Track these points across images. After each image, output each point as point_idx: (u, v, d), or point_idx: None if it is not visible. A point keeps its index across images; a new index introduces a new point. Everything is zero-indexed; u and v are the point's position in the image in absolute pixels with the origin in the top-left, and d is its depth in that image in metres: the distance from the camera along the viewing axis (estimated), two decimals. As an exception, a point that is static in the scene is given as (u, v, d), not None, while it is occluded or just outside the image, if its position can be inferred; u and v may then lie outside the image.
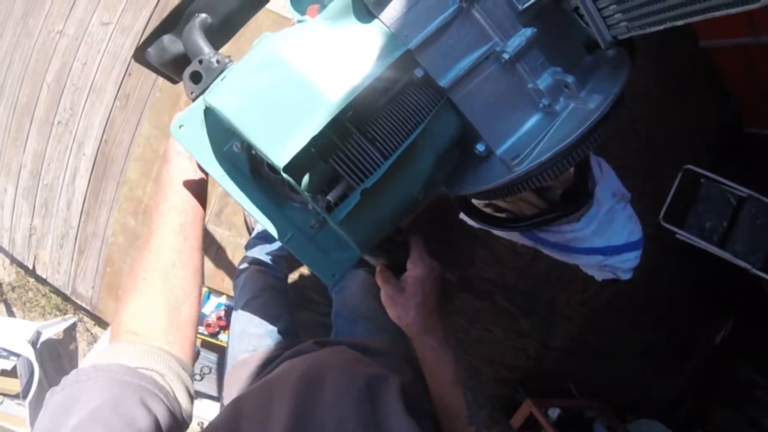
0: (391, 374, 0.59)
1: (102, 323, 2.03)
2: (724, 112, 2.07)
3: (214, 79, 0.56)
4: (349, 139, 0.51)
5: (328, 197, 0.52)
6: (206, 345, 1.64)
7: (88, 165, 1.90)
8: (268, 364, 0.83)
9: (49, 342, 2.07)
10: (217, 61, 0.57)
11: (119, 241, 1.87)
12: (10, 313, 2.22)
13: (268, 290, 1.09)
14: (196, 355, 1.48)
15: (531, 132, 0.55)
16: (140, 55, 0.66)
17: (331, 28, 0.53)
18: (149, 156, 1.82)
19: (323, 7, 0.58)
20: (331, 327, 1.04)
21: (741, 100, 1.91)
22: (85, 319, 2.12)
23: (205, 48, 0.60)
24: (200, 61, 0.58)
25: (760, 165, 1.81)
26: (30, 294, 2.19)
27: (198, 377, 1.56)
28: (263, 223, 0.59)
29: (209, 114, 0.56)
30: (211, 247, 1.79)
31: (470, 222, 0.88)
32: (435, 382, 0.60)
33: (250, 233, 1.72)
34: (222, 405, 0.88)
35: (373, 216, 0.54)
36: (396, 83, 0.54)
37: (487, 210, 1.10)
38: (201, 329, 1.63)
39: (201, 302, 0.61)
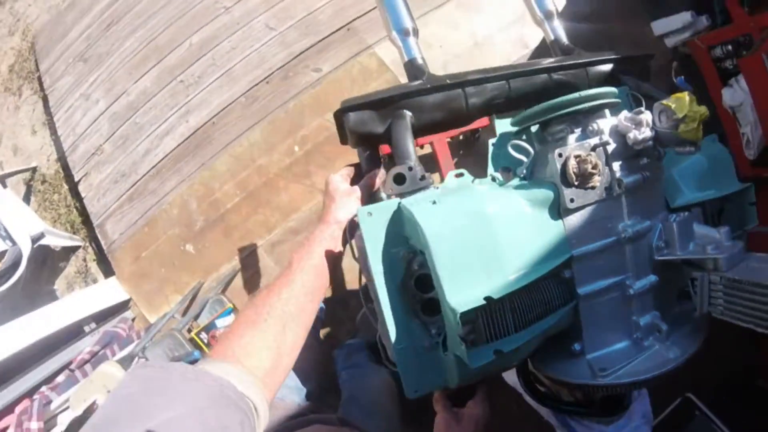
0: None
1: (105, 266, 2.03)
2: (744, 360, 2.14)
3: (413, 191, 0.64)
4: (499, 306, 0.55)
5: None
6: (203, 354, 1.65)
7: (185, 133, 1.97)
8: (292, 418, 0.86)
9: (44, 248, 2.06)
10: (422, 177, 0.64)
11: (172, 213, 1.91)
12: (26, 201, 2.21)
13: (305, 351, 1.14)
14: (192, 362, 1.51)
15: (618, 353, 0.64)
16: (341, 112, 0.74)
17: (527, 206, 0.60)
18: (245, 160, 1.89)
19: (513, 172, 0.67)
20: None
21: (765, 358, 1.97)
22: (90, 251, 2.12)
23: (413, 156, 0.68)
24: (410, 168, 0.64)
25: (758, 419, 1.86)
26: (55, 197, 2.19)
27: None
28: (389, 325, 0.62)
29: (396, 216, 0.61)
30: (251, 268, 1.84)
31: (511, 382, 0.96)
32: None
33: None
34: None
35: (487, 369, 0.59)
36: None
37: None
38: (203, 336, 1.66)
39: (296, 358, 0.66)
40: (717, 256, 0.57)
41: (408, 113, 0.74)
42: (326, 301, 1.80)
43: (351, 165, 0.80)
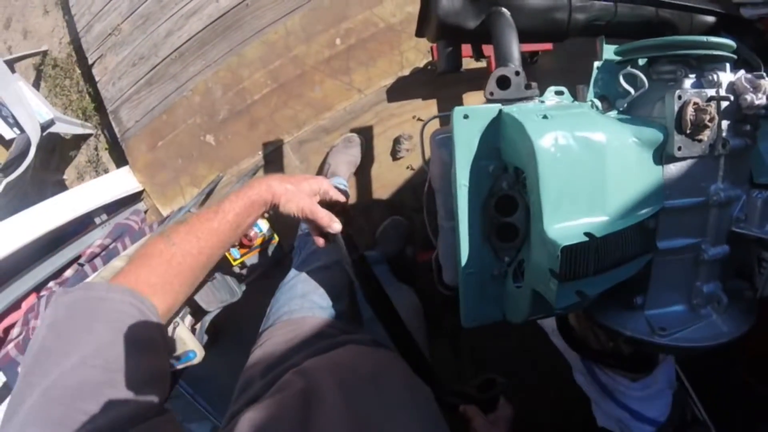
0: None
1: (118, 155, 1.88)
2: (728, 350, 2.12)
3: (517, 99, 0.57)
4: (593, 244, 0.52)
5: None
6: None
7: (214, 14, 1.78)
8: (323, 337, 0.81)
9: (54, 136, 1.90)
10: (528, 86, 0.57)
11: (193, 100, 1.75)
12: (36, 86, 2.03)
13: (337, 266, 1.04)
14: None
15: (676, 315, 0.63)
16: None
17: (636, 144, 0.56)
18: (279, 48, 1.72)
19: (612, 103, 0.63)
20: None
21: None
22: (102, 139, 1.96)
23: (518, 60, 0.59)
24: (516, 73, 0.57)
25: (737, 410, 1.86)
26: (67, 82, 2.01)
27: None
28: (462, 245, 0.59)
29: (493, 125, 0.56)
30: (274, 165, 1.69)
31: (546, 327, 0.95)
32: None
33: None
34: (258, 346, 0.82)
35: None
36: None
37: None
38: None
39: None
40: None
41: (507, 12, 0.64)
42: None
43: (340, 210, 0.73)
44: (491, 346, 1.65)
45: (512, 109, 0.54)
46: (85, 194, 1.67)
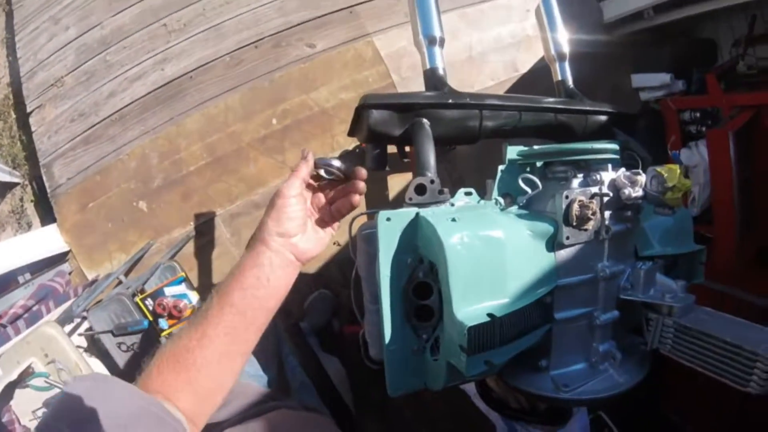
0: None
1: (44, 210, 1.88)
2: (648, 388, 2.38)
3: (431, 203, 0.67)
4: (494, 323, 0.58)
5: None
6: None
7: (158, 81, 1.85)
8: (254, 404, 0.84)
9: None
10: (441, 191, 0.67)
11: (129, 165, 1.80)
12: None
13: (264, 337, 1.13)
14: (140, 330, 1.44)
15: (577, 372, 0.72)
16: (364, 107, 0.75)
17: (530, 236, 0.65)
18: (218, 123, 1.81)
19: (513, 198, 0.73)
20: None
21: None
22: (29, 191, 1.96)
23: (434, 168, 0.71)
24: (432, 181, 0.67)
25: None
26: (0, 125, 1.99)
27: (124, 348, 1.49)
28: (386, 326, 0.64)
29: (411, 225, 0.64)
30: (205, 236, 1.77)
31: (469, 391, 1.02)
32: None
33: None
34: None
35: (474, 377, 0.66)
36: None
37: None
38: (149, 302, 1.58)
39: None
40: (673, 304, 0.66)
41: (426, 122, 0.76)
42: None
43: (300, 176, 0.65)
44: (419, 414, 1.78)
45: (427, 213, 0.63)
46: (8, 251, 1.67)
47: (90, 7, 1.92)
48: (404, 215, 0.63)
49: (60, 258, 1.77)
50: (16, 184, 1.95)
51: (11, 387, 1.14)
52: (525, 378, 0.72)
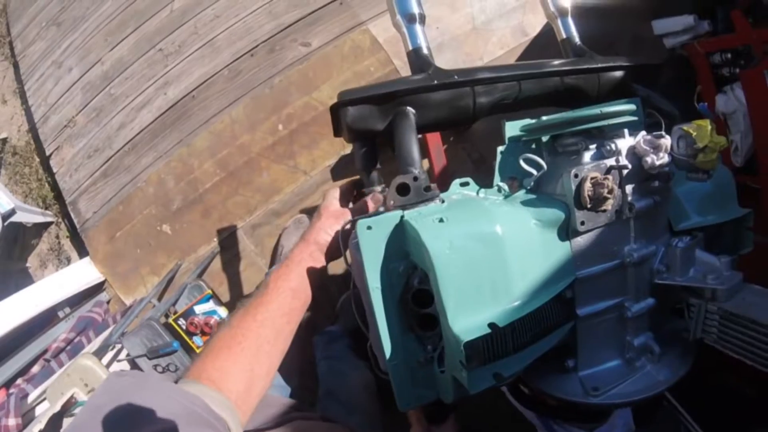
0: None
1: (79, 243, 1.94)
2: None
3: (417, 203, 0.59)
4: (502, 330, 0.52)
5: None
6: (181, 342, 1.61)
7: (163, 106, 1.85)
8: (275, 416, 0.84)
9: (16, 225, 1.96)
10: (427, 188, 0.59)
11: (147, 191, 1.82)
12: (-5, 176, 2.10)
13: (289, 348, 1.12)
14: (171, 352, 1.47)
15: (610, 371, 0.64)
16: (338, 106, 0.69)
17: (537, 227, 0.57)
18: (226, 137, 1.80)
19: (520, 182, 0.64)
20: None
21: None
22: (62, 228, 2.03)
23: (419, 162, 0.64)
24: (415, 178, 0.59)
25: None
26: (26, 170, 2.08)
27: (160, 369, 1.53)
28: (383, 340, 0.60)
29: (398, 230, 0.58)
30: (230, 251, 1.78)
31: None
32: None
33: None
34: None
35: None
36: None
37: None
38: (182, 322, 1.61)
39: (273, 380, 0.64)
40: (717, 287, 0.56)
41: (411, 110, 0.68)
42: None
43: (352, 180, 0.76)
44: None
45: (412, 215, 0.56)
46: (47, 288, 1.74)
47: (88, 46, 1.95)
48: (386, 221, 0.57)
49: (97, 288, 1.83)
50: (50, 224, 2.03)
51: (58, 418, 1.19)
52: (551, 380, 0.65)
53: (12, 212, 1.87)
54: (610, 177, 0.54)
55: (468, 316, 0.51)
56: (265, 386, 0.59)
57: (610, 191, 0.54)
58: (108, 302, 1.82)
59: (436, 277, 0.50)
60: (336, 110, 0.70)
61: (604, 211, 0.56)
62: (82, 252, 1.92)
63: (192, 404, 0.46)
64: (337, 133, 0.77)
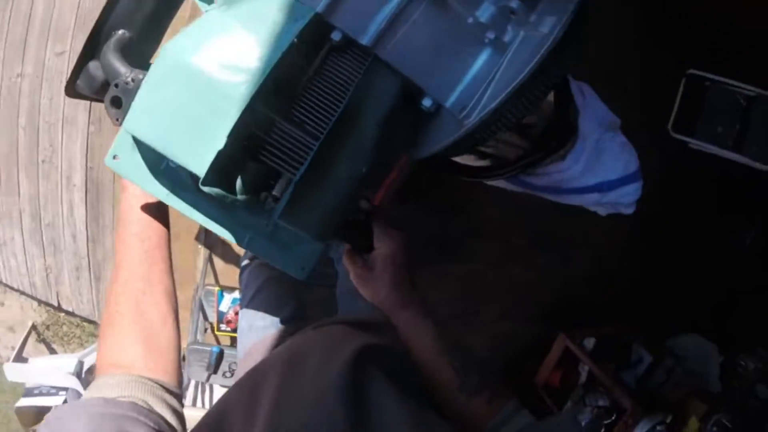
0: (379, 344, 0.57)
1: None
2: (721, 10, 1.86)
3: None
4: (275, 129, 0.46)
5: (274, 193, 0.49)
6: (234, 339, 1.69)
7: (81, 195, 1.94)
8: (272, 348, 0.83)
9: (93, 368, 2.18)
10: (132, 80, 0.53)
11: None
12: (51, 351, 2.35)
13: (271, 281, 1.06)
14: (220, 356, 1.53)
15: (481, 74, 0.49)
16: (71, 89, 0.62)
17: (229, 13, 0.48)
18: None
19: None
20: None
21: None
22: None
23: (121, 68, 0.56)
24: (116, 85, 0.54)
25: (763, 63, 1.65)
26: (65, 328, 2.30)
27: (228, 374, 1.61)
28: (217, 231, 0.58)
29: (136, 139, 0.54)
30: (217, 244, 1.82)
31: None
32: (419, 354, 0.60)
33: None
34: None
35: (319, 203, 0.50)
36: (313, 56, 0.49)
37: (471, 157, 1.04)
38: (223, 326, 1.69)
39: (178, 323, 0.62)
40: None
41: (116, 33, 0.60)
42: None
43: None
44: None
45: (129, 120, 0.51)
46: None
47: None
48: (123, 138, 0.56)
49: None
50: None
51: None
52: (428, 138, 0.53)
53: (81, 365, 2.06)
54: None
55: (203, 151, 0.45)
56: (171, 327, 0.58)
57: None
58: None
59: (155, 149, 0.47)
60: (73, 93, 0.63)
61: None
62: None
63: (92, 408, 0.46)
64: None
